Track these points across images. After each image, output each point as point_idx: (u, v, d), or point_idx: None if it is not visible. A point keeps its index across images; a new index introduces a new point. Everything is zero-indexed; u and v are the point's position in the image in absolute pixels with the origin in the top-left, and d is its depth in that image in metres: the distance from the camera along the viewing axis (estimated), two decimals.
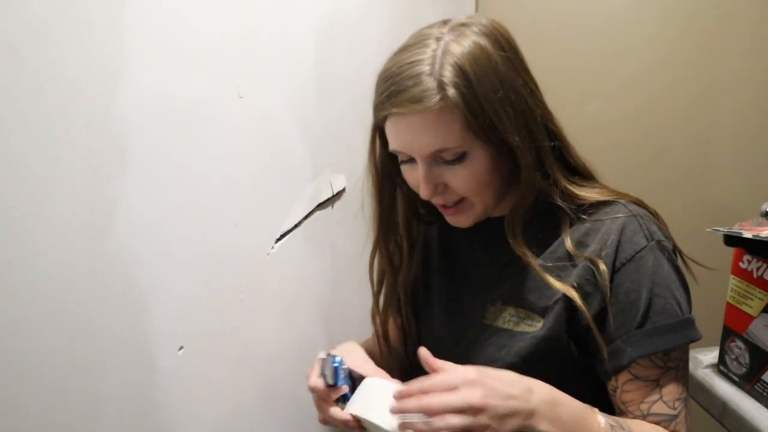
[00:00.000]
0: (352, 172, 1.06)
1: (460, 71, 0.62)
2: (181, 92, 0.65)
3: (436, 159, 0.66)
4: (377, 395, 0.65)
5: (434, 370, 0.58)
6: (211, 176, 0.71)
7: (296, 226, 0.89)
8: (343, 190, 1.03)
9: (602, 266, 0.66)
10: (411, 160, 0.68)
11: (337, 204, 1.02)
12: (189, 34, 0.65)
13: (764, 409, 0.82)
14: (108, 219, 0.57)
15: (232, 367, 0.78)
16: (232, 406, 0.79)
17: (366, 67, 1.10)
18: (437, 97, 0.61)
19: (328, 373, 0.70)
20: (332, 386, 0.70)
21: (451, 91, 0.61)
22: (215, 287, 0.73)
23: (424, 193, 0.68)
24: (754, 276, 0.82)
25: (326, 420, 0.72)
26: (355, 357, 0.75)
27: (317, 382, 0.71)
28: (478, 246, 0.79)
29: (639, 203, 0.72)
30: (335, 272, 1.02)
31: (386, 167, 0.76)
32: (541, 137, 0.68)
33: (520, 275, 0.72)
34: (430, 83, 0.62)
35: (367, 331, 0.92)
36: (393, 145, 0.69)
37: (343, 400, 0.71)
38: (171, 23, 0.62)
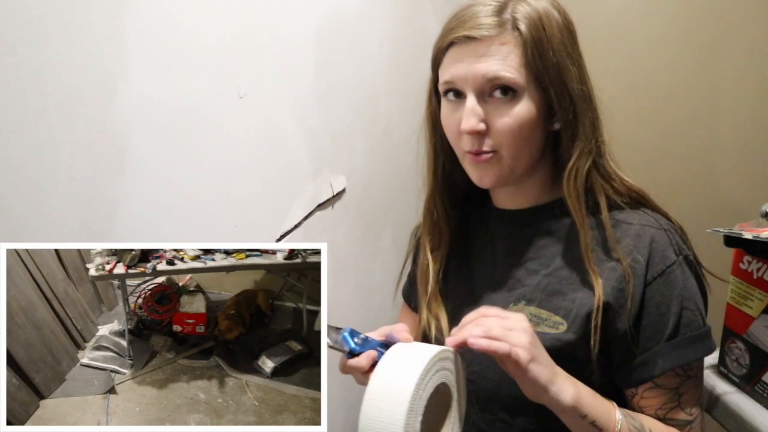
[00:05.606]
0: (352, 172, 1.06)
1: (535, 17, 0.66)
2: (180, 92, 0.65)
3: (485, 95, 0.67)
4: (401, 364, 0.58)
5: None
6: (210, 176, 0.71)
7: (296, 226, 0.89)
8: (343, 190, 1.03)
9: (632, 282, 0.66)
10: (458, 98, 0.69)
11: (337, 204, 1.02)
12: (189, 34, 0.65)
13: (764, 410, 0.81)
14: (108, 219, 0.57)
15: None
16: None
17: (366, 67, 1.11)
18: (509, 28, 0.65)
19: (339, 342, 0.65)
20: (351, 354, 0.65)
21: (523, 27, 0.65)
22: None
23: (466, 124, 0.66)
24: (755, 277, 0.82)
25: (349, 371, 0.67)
26: (390, 328, 0.71)
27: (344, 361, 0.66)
28: (501, 241, 0.78)
29: (665, 216, 0.73)
30: (335, 272, 1.02)
31: (439, 124, 0.75)
32: (594, 108, 0.70)
33: (544, 275, 0.72)
34: (503, 18, 0.66)
35: (367, 331, 0.91)
36: (449, 74, 0.68)
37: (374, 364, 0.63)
38: (171, 23, 0.62)
